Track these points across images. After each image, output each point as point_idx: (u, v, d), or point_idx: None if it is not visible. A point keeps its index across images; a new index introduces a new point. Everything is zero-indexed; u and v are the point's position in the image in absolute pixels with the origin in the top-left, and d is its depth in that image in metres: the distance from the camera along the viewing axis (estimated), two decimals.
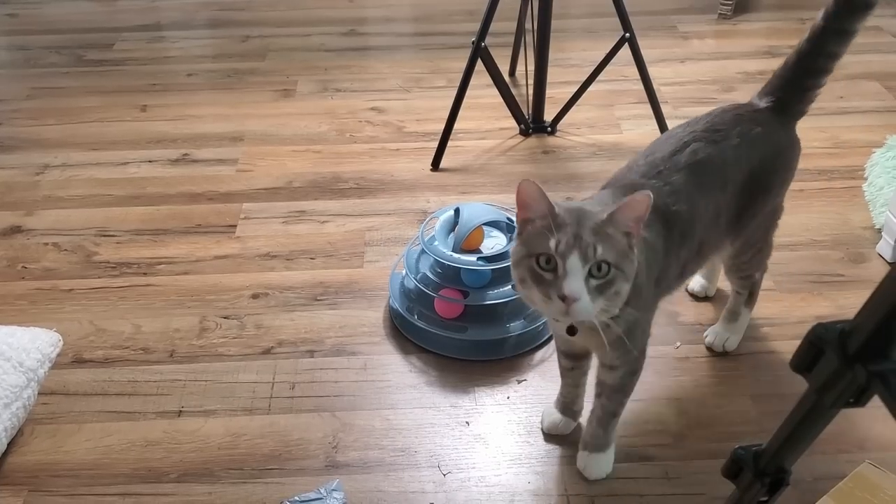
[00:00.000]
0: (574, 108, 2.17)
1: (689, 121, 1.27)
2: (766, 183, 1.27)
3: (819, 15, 1.20)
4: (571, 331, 1.10)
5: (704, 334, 1.50)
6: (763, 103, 1.27)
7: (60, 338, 1.43)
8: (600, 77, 2.12)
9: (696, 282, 1.60)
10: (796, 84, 1.25)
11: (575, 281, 0.98)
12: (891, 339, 0.67)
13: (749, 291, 1.45)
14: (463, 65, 2.02)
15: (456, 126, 2.06)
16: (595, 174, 2.02)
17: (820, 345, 0.71)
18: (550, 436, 1.34)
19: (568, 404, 1.33)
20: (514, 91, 2.19)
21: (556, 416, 1.33)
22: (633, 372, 1.19)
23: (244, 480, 1.27)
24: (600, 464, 1.26)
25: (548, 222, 1.01)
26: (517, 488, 1.25)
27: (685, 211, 1.15)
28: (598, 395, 1.23)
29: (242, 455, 1.31)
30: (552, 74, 2.15)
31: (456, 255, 1.48)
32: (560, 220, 1.00)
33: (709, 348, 1.49)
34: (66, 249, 1.79)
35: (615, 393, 1.20)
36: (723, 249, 1.34)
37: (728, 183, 1.21)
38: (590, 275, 0.99)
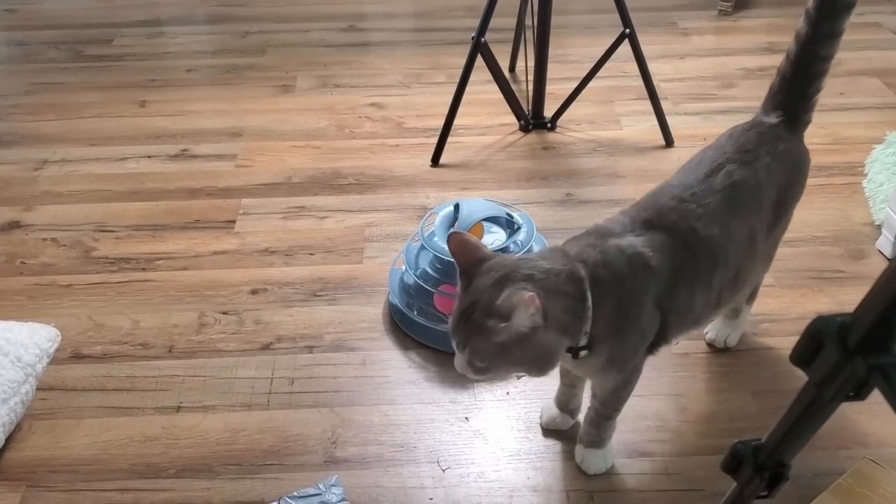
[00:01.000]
0: (574, 104, 2.16)
1: (716, 143, 1.23)
2: (788, 199, 1.25)
3: (802, 20, 1.18)
4: None
5: (705, 331, 1.49)
6: (773, 119, 1.24)
7: (59, 333, 1.43)
8: (600, 73, 2.11)
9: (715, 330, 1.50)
10: (799, 94, 1.23)
11: (458, 361, 1.03)
12: (891, 333, 0.67)
13: (751, 291, 1.44)
14: (463, 60, 2.01)
15: (456, 122, 2.05)
16: (595, 170, 2.02)
17: (820, 338, 0.71)
18: (549, 431, 1.33)
19: (565, 403, 1.32)
20: (514, 87, 2.19)
21: (554, 411, 1.33)
22: (626, 384, 1.18)
23: (243, 476, 1.27)
24: (596, 459, 1.26)
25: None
26: (516, 484, 1.25)
27: (718, 235, 1.12)
28: (593, 397, 1.23)
29: (241, 451, 1.31)
30: (552, 70, 2.15)
31: None
32: (459, 295, 1.02)
33: (710, 344, 1.48)
34: (64, 245, 1.79)
35: (609, 399, 1.20)
36: (756, 273, 1.31)
37: (763, 205, 1.19)
38: None
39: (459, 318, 1.00)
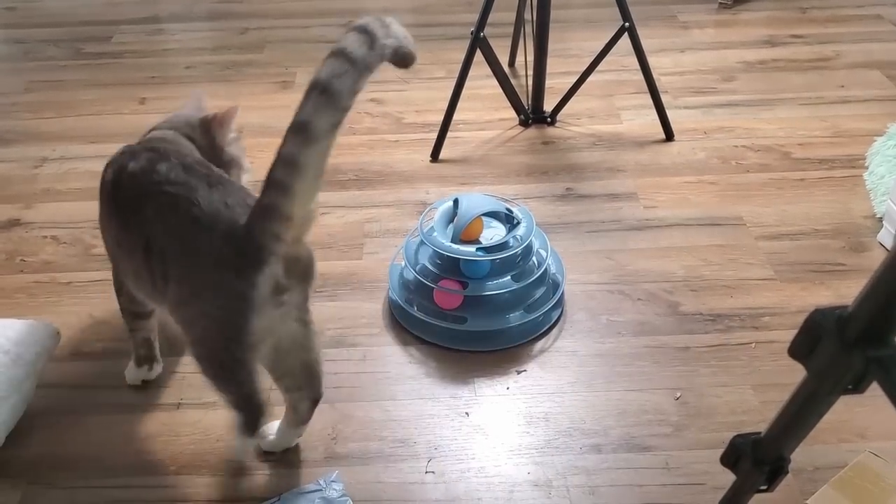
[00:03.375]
0: (574, 98, 2.16)
1: None
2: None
3: None
4: None
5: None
6: None
7: (59, 331, 1.43)
8: (600, 67, 2.11)
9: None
10: None
11: None
12: (889, 325, 0.67)
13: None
14: (462, 55, 2.01)
15: (455, 117, 2.05)
16: (595, 164, 2.01)
17: (818, 331, 0.71)
18: (550, 426, 1.33)
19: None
20: (513, 81, 2.18)
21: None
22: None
23: (243, 472, 1.27)
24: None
25: None
26: (517, 479, 1.25)
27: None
28: None
29: None
30: (552, 65, 2.14)
31: (455, 246, 1.48)
32: None
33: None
34: (64, 242, 1.79)
35: None
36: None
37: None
38: None
39: None
